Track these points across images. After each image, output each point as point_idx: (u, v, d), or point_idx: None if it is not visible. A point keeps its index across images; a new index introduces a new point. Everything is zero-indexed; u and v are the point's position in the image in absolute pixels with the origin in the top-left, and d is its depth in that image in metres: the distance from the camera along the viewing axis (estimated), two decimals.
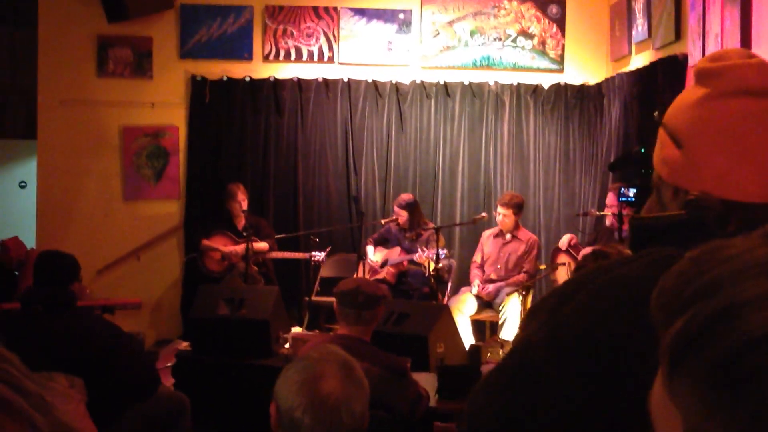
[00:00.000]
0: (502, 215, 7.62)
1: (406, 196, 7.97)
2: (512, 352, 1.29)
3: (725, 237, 1.17)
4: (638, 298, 1.17)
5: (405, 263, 7.75)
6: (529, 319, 1.28)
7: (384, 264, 7.83)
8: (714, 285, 0.66)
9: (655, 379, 0.71)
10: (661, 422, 0.70)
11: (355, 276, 7.50)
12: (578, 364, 1.16)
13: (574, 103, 8.69)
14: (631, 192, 5.21)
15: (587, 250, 7.01)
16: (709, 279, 0.67)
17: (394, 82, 8.67)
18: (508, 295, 7.28)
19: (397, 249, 7.85)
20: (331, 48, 8.66)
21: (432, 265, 7.25)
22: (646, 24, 7.48)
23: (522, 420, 1.19)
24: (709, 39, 6.18)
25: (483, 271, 7.79)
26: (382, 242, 8.04)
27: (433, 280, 7.30)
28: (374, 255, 7.94)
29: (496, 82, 8.69)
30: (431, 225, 7.86)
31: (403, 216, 7.81)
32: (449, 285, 7.92)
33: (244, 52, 8.64)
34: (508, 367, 1.27)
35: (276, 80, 8.60)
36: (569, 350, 1.18)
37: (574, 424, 1.15)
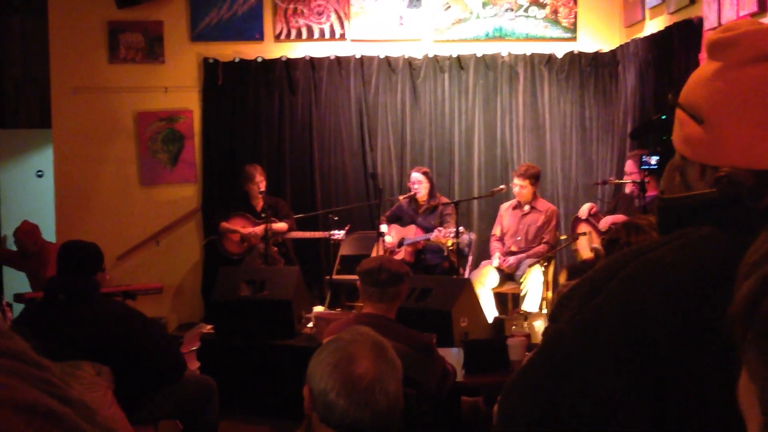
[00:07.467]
0: (519, 186, 7.58)
1: (425, 168, 7.98)
2: (544, 345, 1.26)
3: (762, 210, 1.14)
4: (673, 283, 1.15)
5: (422, 243, 7.70)
6: (559, 308, 1.24)
7: (401, 243, 7.79)
8: None
9: (740, 372, 0.69)
10: (751, 413, 0.68)
11: (373, 255, 7.49)
12: (615, 352, 1.14)
13: (589, 71, 8.62)
14: (653, 159, 5.17)
15: (608, 218, 6.98)
16: None
17: (406, 57, 8.62)
18: (529, 266, 7.24)
19: (413, 227, 7.78)
20: (342, 25, 8.61)
21: (450, 242, 7.21)
22: None
23: (561, 413, 1.16)
24: (725, 1, 6.10)
25: (503, 244, 7.75)
26: (395, 219, 7.99)
27: (452, 255, 7.27)
28: (388, 233, 7.89)
29: (509, 53, 8.62)
30: (445, 200, 7.83)
31: (423, 184, 7.76)
32: (470, 259, 7.89)
33: (255, 33, 8.60)
34: (542, 360, 1.23)
35: (288, 60, 8.57)
36: (605, 339, 1.15)
37: (615, 413, 1.13)
